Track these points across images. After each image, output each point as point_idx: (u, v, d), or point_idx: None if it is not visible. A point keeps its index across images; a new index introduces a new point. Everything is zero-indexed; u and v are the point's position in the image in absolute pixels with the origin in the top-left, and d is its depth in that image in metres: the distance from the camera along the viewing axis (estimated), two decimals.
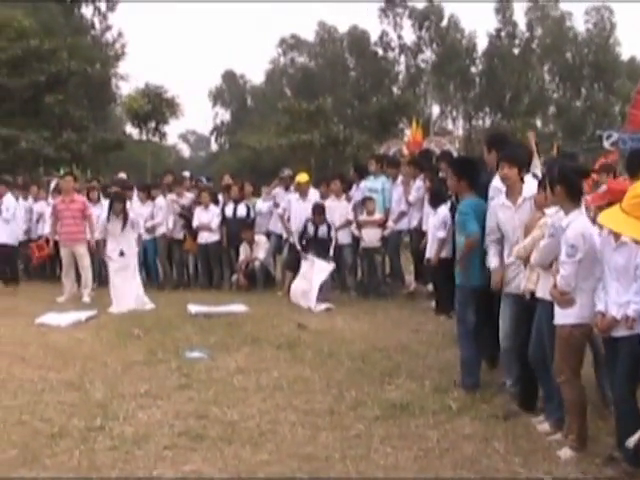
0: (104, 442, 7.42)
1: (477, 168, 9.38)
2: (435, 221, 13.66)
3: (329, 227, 16.51)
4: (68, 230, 17.35)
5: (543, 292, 7.29)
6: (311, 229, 16.45)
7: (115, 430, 7.76)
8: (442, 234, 13.11)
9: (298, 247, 17.00)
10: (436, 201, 13.86)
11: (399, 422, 7.86)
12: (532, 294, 7.69)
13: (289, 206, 17.72)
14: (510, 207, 8.37)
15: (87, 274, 17.20)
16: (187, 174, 22.70)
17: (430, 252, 13.84)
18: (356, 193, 17.51)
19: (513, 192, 8.37)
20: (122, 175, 26.50)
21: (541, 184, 7.73)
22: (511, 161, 8.42)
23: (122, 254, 15.83)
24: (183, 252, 19.27)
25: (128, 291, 15.65)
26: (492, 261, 8.56)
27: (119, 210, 16.04)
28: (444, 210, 13.37)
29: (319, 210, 16.53)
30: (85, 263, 17.21)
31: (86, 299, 16.83)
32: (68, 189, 17.56)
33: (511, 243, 8.30)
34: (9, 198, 19.29)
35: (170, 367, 10.45)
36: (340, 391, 9.06)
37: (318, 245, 16.33)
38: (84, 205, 17.48)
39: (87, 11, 75.33)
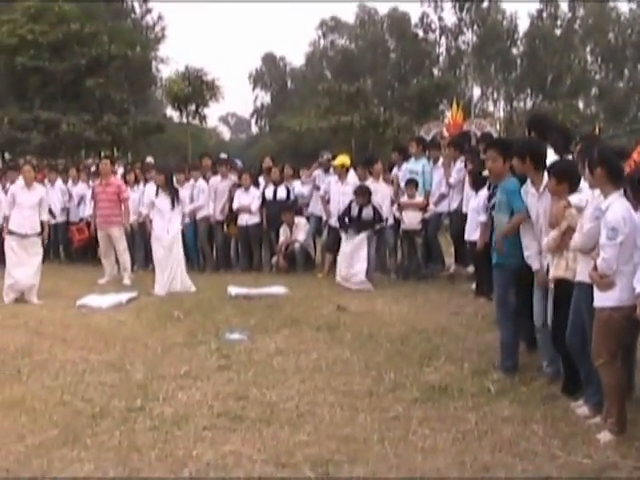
0: (144, 422, 7.48)
1: (543, 149, 9.30)
2: (476, 204, 13.58)
3: (374, 209, 16.40)
4: (103, 213, 17.46)
5: (583, 275, 7.22)
6: (355, 210, 16.34)
7: (155, 411, 7.82)
8: (484, 217, 13.05)
9: (338, 225, 16.98)
10: (477, 183, 13.77)
11: (438, 404, 7.86)
12: (559, 281, 7.65)
13: (329, 188, 17.70)
14: (534, 194, 8.34)
15: (124, 257, 17.29)
16: (224, 156, 22.69)
17: (470, 234, 13.79)
18: (398, 175, 17.41)
19: (536, 179, 8.32)
20: (149, 159, 26.61)
21: (550, 172, 7.75)
22: (516, 152, 8.43)
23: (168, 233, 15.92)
24: (224, 235, 19.27)
25: (171, 273, 15.73)
26: (534, 262, 8.48)
27: (164, 183, 16.13)
28: (485, 193, 13.29)
29: (361, 191, 16.42)
30: (121, 246, 17.29)
31: (127, 281, 16.93)
32: (106, 172, 17.65)
33: (537, 230, 8.28)
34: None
35: (210, 348, 10.50)
36: (379, 373, 9.06)
37: (362, 226, 16.15)
38: (119, 188, 17.55)
39: None
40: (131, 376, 9.21)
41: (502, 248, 8.89)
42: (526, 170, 8.38)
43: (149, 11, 77.57)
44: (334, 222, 17.05)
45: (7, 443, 7.01)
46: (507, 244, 8.87)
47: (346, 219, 16.30)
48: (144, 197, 18.52)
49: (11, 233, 15.13)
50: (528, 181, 8.52)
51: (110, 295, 14.68)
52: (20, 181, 15.74)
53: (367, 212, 16.14)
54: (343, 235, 16.26)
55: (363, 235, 15.93)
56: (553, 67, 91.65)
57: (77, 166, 23.93)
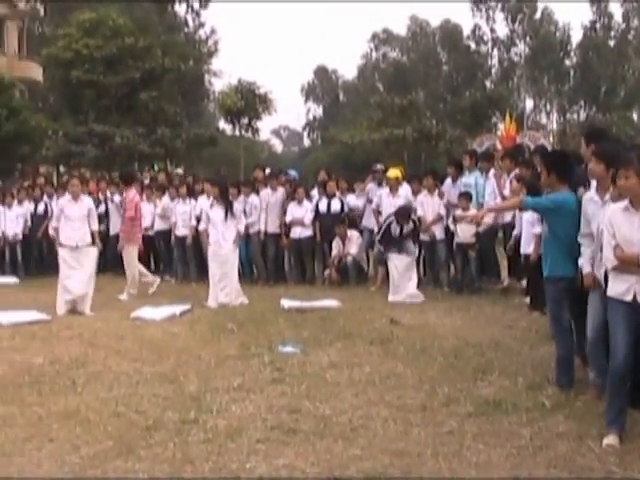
0: (198, 435, 7.48)
1: (568, 161, 9.21)
2: (529, 216, 13.49)
3: (415, 224, 16.40)
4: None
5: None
6: (396, 230, 16.32)
7: (208, 423, 7.82)
8: (538, 229, 12.95)
9: (379, 247, 17.00)
10: (530, 195, 13.69)
11: (492, 419, 7.79)
12: None
13: (381, 201, 17.69)
14: (597, 202, 8.23)
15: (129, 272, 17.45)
16: (268, 170, 22.76)
17: (525, 248, 13.72)
18: (453, 189, 17.31)
19: (602, 187, 8.22)
20: (178, 171, 26.82)
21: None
22: (597, 156, 8.30)
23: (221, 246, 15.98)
24: (278, 248, 19.30)
25: (225, 285, 15.78)
26: (585, 266, 8.39)
27: (218, 195, 16.19)
28: None
29: (402, 213, 16.41)
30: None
31: (122, 296, 17.05)
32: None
33: (597, 240, 8.16)
34: None
35: (263, 361, 10.49)
36: (433, 387, 9.01)
37: (402, 243, 16.19)
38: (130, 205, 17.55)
39: (180, 9, 76.56)
40: (184, 388, 9.23)
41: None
42: (598, 175, 8.27)
43: (202, 25, 78.32)
44: None
45: (62, 454, 7.05)
46: (558, 257, 8.78)
47: (386, 240, 16.35)
48: (195, 210, 18.64)
49: (61, 245, 15.32)
50: (592, 189, 8.42)
51: (164, 307, 14.76)
52: (67, 194, 15.95)
53: (408, 229, 16.26)
54: (389, 255, 16.26)
55: (411, 257, 16.04)
56: (607, 78, 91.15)
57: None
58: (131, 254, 17.31)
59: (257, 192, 19.19)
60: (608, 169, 8.12)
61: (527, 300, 14.35)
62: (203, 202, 18.40)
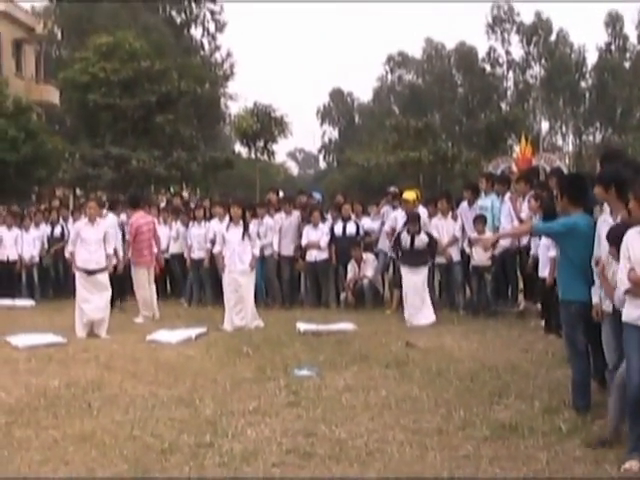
0: (213, 458, 7.48)
1: (581, 184, 9.18)
2: (545, 240, 13.49)
3: (430, 237, 16.37)
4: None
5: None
6: (407, 240, 16.24)
7: (224, 447, 7.82)
8: (553, 253, 12.93)
9: (393, 255, 17.00)
10: (545, 218, 13.69)
11: (508, 443, 7.75)
12: None
13: (395, 224, 17.66)
14: (611, 224, 8.20)
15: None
16: (281, 194, 22.74)
17: (542, 271, 13.70)
18: (470, 212, 17.26)
19: (615, 210, 8.20)
20: (185, 194, 26.91)
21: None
22: (597, 179, 8.35)
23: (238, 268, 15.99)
24: (293, 270, 19.30)
25: (241, 309, 15.80)
26: (594, 295, 8.36)
27: (238, 217, 16.21)
28: None
29: (413, 218, 16.40)
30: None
31: (138, 319, 17.15)
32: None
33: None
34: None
35: (279, 385, 10.49)
36: (449, 410, 8.98)
37: (415, 256, 16.11)
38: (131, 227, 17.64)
39: (196, 32, 76.90)
40: (200, 412, 9.23)
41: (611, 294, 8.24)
42: (609, 199, 8.27)
43: (218, 48, 78.62)
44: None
45: (77, 477, 7.08)
46: (571, 281, 8.75)
47: (399, 251, 16.36)
48: (209, 233, 18.66)
49: (78, 269, 15.36)
50: (606, 212, 8.40)
51: (180, 330, 14.77)
52: (84, 217, 16.00)
53: (420, 240, 16.11)
54: (402, 269, 16.23)
55: (423, 276, 16.00)
56: (622, 100, 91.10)
57: (147, 202, 24.06)
58: (139, 277, 17.33)
59: (271, 215, 19.22)
60: (607, 191, 8.14)
61: (542, 323, 14.32)
62: (216, 225, 18.45)
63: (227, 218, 16.88)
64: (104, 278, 15.41)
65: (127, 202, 20.03)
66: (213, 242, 18.08)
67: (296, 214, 19.24)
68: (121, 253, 17.79)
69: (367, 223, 19.18)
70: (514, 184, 16.87)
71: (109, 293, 15.42)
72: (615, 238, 7.56)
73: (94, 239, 15.38)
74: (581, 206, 8.86)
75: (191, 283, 19.93)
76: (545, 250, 13.43)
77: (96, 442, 8.04)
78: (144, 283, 17.30)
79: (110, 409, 9.41)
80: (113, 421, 8.88)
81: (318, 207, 19.54)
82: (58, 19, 62.91)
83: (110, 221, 17.72)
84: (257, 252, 16.40)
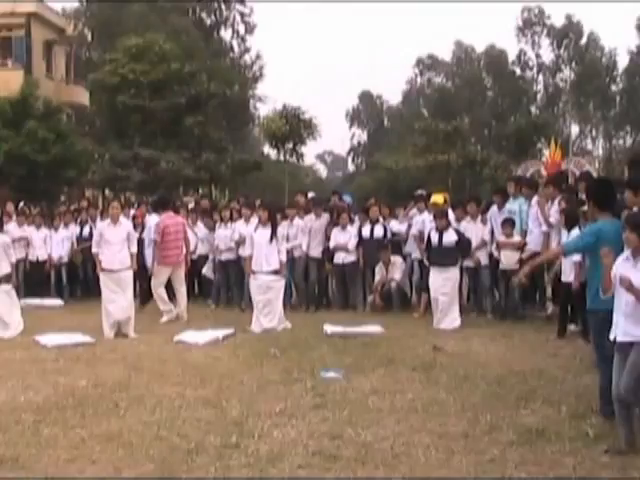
0: (239, 459, 7.50)
1: (608, 190, 9.13)
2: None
3: (460, 235, 16.30)
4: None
5: None
6: (435, 238, 16.20)
7: (250, 448, 7.84)
8: (578, 257, 12.91)
9: (424, 260, 16.99)
10: (569, 223, 13.71)
11: (534, 448, 7.73)
12: None
13: (423, 227, 17.63)
14: None
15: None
16: (311, 195, 22.69)
17: (567, 276, 13.67)
18: (499, 216, 17.17)
19: None
20: (188, 199, 26.93)
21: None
22: (629, 185, 8.33)
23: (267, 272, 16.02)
24: (321, 272, 19.30)
25: (269, 311, 15.81)
26: None
27: (265, 219, 16.22)
28: (577, 232, 13.27)
29: (440, 214, 16.38)
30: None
31: (163, 319, 17.22)
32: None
33: None
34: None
35: (305, 387, 10.50)
36: (475, 415, 8.97)
37: (443, 255, 16.06)
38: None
39: (226, 34, 76.85)
40: (227, 413, 9.26)
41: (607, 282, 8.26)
42: (630, 203, 8.24)
43: (247, 50, 78.63)
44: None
45: (104, 476, 7.13)
46: (598, 288, 8.68)
47: (428, 252, 16.41)
48: (234, 234, 18.73)
49: (103, 270, 15.46)
50: None
51: (207, 331, 14.80)
52: (107, 218, 16.11)
53: (448, 237, 16.06)
54: (431, 270, 16.21)
55: (452, 278, 15.97)
56: None
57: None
58: (160, 275, 17.38)
59: (301, 217, 19.23)
60: (636, 195, 8.12)
61: (572, 327, 14.27)
62: (241, 227, 18.62)
63: (254, 220, 16.95)
64: (128, 277, 15.51)
65: (154, 204, 20.13)
66: (238, 243, 18.20)
67: (325, 216, 19.22)
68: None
69: (395, 226, 19.14)
70: (542, 188, 16.80)
71: (132, 292, 15.55)
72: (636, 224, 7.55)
73: (117, 239, 15.48)
74: (609, 211, 8.81)
75: (218, 284, 19.97)
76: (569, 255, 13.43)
77: (123, 442, 8.09)
78: (162, 281, 17.31)
79: (137, 409, 9.46)
80: (140, 421, 8.92)
81: (346, 209, 19.48)
82: (88, 21, 63.13)
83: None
84: (284, 258, 16.40)
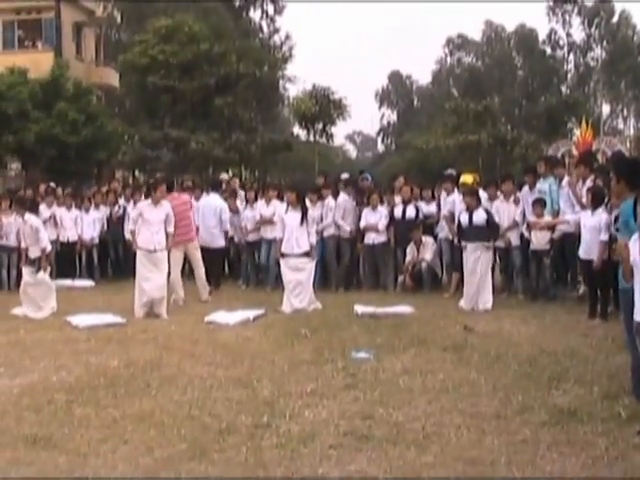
0: (270, 439, 7.52)
1: (638, 168, 9.07)
2: (595, 222, 13.49)
3: (490, 215, 16.18)
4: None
5: None
6: (465, 217, 16.15)
7: (281, 428, 7.85)
8: (605, 236, 12.86)
9: (455, 240, 16.96)
10: (595, 202, 13.68)
11: (566, 428, 7.69)
12: None
13: (453, 208, 17.56)
14: None
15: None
16: (345, 176, 22.60)
17: (588, 253, 13.65)
18: (530, 196, 17.05)
19: None
20: (224, 176, 26.93)
21: None
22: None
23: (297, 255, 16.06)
24: (352, 252, 19.26)
25: (300, 292, 15.86)
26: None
27: (293, 201, 16.29)
28: (603, 212, 13.28)
29: (469, 193, 16.32)
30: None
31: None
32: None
33: None
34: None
35: (336, 367, 10.50)
36: (507, 395, 8.94)
37: (474, 233, 15.95)
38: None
39: (255, 15, 76.74)
40: (258, 392, 9.28)
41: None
42: None
43: (277, 30, 78.49)
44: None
45: (136, 455, 7.15)
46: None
47: (459, 230, 16.35)
48: (257, 214, 19.04)
49: (139, 248, 15.53)
50: None
51: (238, 312, 14.85)
52: (147, 199, 16.19)
53: (478, 217, 15.97)
54: (464, 251, 16.14)
55: (485, 258, 15.86)
56: None
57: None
58: (171, 258, 17.07)
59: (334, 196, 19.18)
60: None
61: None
62: (262, 208, 19.02)
63: (275, 202, 17.11)
64: (164, 257, 15.63)
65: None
66: (260, 224, 18.95)
67: (345, 197, 19.19)
68: None
69: (425, 207, 19.06)
70: (573, 168, 16.68)
71: (166, 272, 15.61)
72: None
73: (157, 220, 15.58)
74: (638, 191, 8.74)
75: (247, 265, 20.01)
76: (595, 233, 13.39)
77: (155, 421, 8.13)
78: (174, 265, 17.07)
79: (168, 389, 9.50)
80: (171, 401, 8.96)
81: (375, 190, 19.40)
82: (117, 2, 63.08)
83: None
84: (314, 240, 16.39)
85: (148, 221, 15.60)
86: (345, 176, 22.27)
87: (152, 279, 15.38)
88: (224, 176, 28.17)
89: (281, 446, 7.33)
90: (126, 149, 46.45)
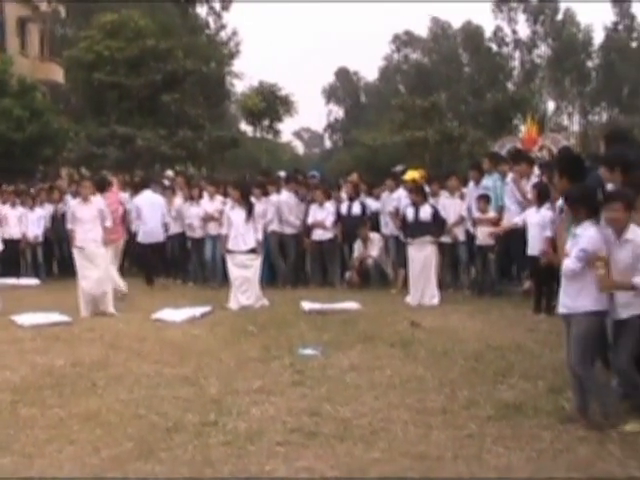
0: (218, 437, 7.51)
1: (581, 165, 9.18)
2: (540, 219, 13.63)
3: (435, 210, 16.17)
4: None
5: None
6: (411, 213, 16.11)
7: (229, 425, 7.85)
8: (549, 233, 13.00)
9: (401, 236, 16.97)
10: (540, 199, 13.85)
11: (512, 422, 7.76)
12: None
13: (399, 204, 17.61)
14: None
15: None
16: (282, 174, 22.66)
17: (533, 249, 13.78)
18: (475, 192, 17.16)
19: None
20: (169, 173, 26.92)
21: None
22: (605, 161, 8.34)
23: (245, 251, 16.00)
24: (297, 249, 19.28)
25: (247, 289, 15.81)
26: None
27: (236, 199, 16.25)
28: (547, 208, 13.55)
29: (415, 190, 16.34)
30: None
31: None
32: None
33: None
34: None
35: (284, 364, 10.51)
36: (453, 390, 9.00)
37: (420, 229, 15.90)
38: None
39: (202, 10, 76.70)
40: (205, 390, 9.26)
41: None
42: (614, 181, 8.26)
43: (224, 26, 78.47)
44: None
45: (82, 455, 7.10)
46: None
47: (404, 226, 16.33)
48: (201, 212, 19.19)
49: (76, 247, 15.43)
50: None
51: (184, 309, 14.80)
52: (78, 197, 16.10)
53: (424, 212, 15.94)
54: (408, 247, 16.16)
55: (430, 253, 15.89)
56: (630, 79, 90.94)
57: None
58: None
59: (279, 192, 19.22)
60: (612, 172, 8.17)
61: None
62: (206, 205, 19.11)
63: (219, 198, 17.35)
64: (100, 253, 15.41)
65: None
66: (205, 221, 18.92)
67: (300, 192, 19.23)
68: None
69: (372, 204, 19.11)
70: (515, 166, 16.71)
71: (105, 267, 15.44)
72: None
73: (88, 217, 15.41)
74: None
75: (193, 262, 19.96)
76: (540, 229, 13.51)
77: (101, 421, 8.09)
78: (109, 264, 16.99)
79: (115, 388, 9.45)
80: (118, 400, 8.91)
81: (321, 186, 19.44)
82: None
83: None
84: (260, 236, 16.35)
85: (80, 219, 15.43)
86: (282, 174, 22.37)
87: (90, 276, 15.21)
88: (169, 173, 27.97)
89: (228, 444, 7.32)
90: (72, 146, 46.02)
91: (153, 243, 19.64)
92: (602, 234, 7.50)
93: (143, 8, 54.52)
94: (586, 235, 7.49)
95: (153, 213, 19.58)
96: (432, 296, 15.72)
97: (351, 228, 18.35)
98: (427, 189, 17.08)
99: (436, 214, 16.06)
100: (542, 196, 13.86)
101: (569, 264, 7.51)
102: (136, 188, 20.92)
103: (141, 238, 19.72)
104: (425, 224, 15.88)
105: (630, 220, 7.42)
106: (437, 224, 16.07)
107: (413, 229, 15.97)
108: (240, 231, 15.94)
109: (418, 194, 16.07)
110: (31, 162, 39.50)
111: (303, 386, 9.36)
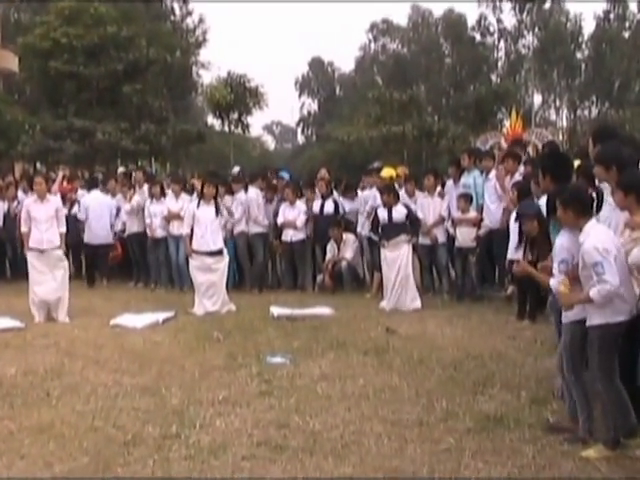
0: (179, 451, 7.50)
1: (565, 162, 9.23)
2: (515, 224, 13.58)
3: (409, 210, 16.17)
4: None
5: None
6: (384, 214, 16.09)
7: (191, 438, 7.84)
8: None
9: (374, 237, 16.99)
10: (522, 196, 13.66)
11: (492, 435, 7.79)
12: None
13: (375, 203, 17.59)
14: (612, 204, 8.21)
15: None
16: (236, 169, 22.62)
17: (513, 254, 13.73)
18: (455, 191, 17.18)
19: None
20: (121, 169, 27.00)
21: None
22: (600, 160, 8.37)
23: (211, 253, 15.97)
24: (266, 250, 19.24)
25: (213, 293, 15.78)
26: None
27: (210, 195, 16.18)
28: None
29: (387, 190, 16.33)
30: None
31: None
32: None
33: None
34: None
35: (250, 373, 10.51)
36: (430, 401, 9.01)
37: (394, 231, 15.88)
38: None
39: None
40: (166, 401, 9.25)
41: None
42: (610, 179, 8.29)
43: (189, 14, 78.42)
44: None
45: (34, 471, 7.08)
46: None
47: (377, 227, 16.26)
48: (165, 211, 19.06)
49: (30, 249, 15.28)
50: (607, 192, 8.42)
51: (146, 314, 14.74)
52: (33, 195, 15.93)
53: (398, 213, 15.95)
54: (382, 249, 16.14)
55: (405, 255, 15.91)
56: (620, 72, 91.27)
57: (115, 178, 23.79)
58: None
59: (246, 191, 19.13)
60: (607, 171, 8.19)
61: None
62: (170, 203, 18.92)
63: (184, 196, 17.55)
64: (58, 256, 15.30)
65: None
66: (168, 220, 18.73)
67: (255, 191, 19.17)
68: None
69: (347, 203, 19.09)
70: (501, 163, 16.74)
71: (63, 272, 15.33)
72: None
73: (45, 217, 15.26)
74: (564, 184, 8.88)
75: (154, 264, 19.83)
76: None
77: (54, 434, 8.06)
78: None
79: (70, 398, 9.41)
80: (73, 411, 8.88)
81: (290, 184, 19.38)
82: None
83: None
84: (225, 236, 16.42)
85: (36, 219, 15.23)
86: (235, 170, 22.34)
87: (45, 282, 15.08)
88: (121, 169, 28.00)
89: (190, 458, 7.32)
90: (27, 139, 45.87)
91: (100, 245, 19.98)
92: (574, 239, 7.48)
93: None
94: (559, 244, 7.62)
95: (101, 213, 19.88)
96: (413, 299, 15.72)
97: (324, 228, 18.32)
98: (402, 188, 17.12)
99: (410, 213, 16.07)
100: (522, 195, 13.77)
101: (554, 285, 7.58)
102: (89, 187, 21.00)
103: (87, 239, 19.99)
104: (399, 225, 15.89)
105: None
106: (412, 223, 16.07)
107: (387, 231, 15.96)
108: (209, 229, 15.87)
109: (389, 194, 16.05)
110: None
111: (271, 396, 9.36)
